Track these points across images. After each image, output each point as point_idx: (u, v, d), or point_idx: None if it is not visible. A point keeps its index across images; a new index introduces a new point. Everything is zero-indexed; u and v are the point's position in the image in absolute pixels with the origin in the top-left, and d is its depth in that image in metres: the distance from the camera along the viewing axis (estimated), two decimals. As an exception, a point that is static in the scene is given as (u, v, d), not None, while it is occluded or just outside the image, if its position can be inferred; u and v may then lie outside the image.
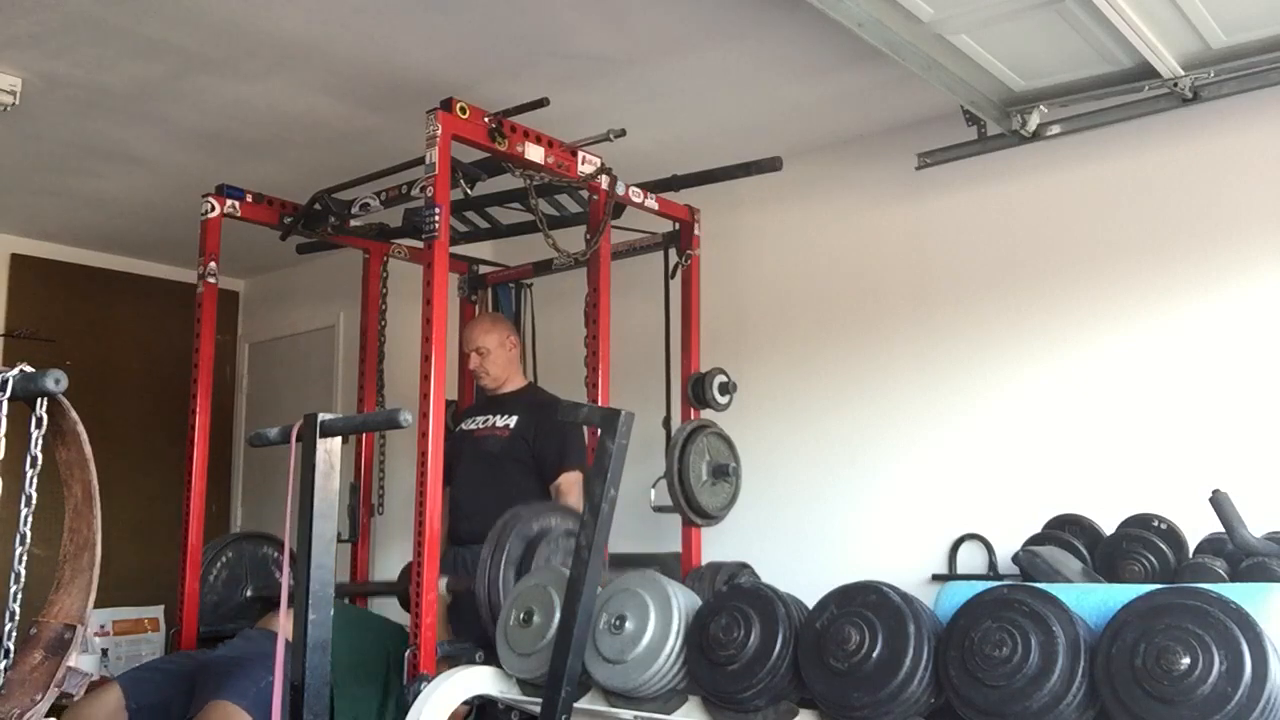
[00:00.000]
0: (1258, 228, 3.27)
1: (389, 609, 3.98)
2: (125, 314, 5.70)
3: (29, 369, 1.47)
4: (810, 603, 2.13)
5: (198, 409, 3.56)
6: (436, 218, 2.95)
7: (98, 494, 1.54)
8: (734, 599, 2.20)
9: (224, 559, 3.77)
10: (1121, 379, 3.44)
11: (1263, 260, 3.25)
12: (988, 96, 3.24)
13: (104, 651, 4.54)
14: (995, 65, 3.04)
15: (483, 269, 4.64)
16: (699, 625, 2.20)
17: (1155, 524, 3.04)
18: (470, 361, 3.77)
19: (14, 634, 1.46)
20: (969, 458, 3.71)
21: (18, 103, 3.52)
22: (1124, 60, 2.96)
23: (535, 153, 3.26)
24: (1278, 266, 3.23)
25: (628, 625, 2.26)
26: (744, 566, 3.70)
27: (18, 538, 1.48)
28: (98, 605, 1.59)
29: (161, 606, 4.80)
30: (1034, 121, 3.34)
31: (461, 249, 4.38)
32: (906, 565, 3.69)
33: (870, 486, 3.93)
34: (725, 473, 3.76)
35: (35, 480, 1.47)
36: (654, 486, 3.71)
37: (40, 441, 1.48)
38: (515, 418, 3.70)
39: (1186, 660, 1.67)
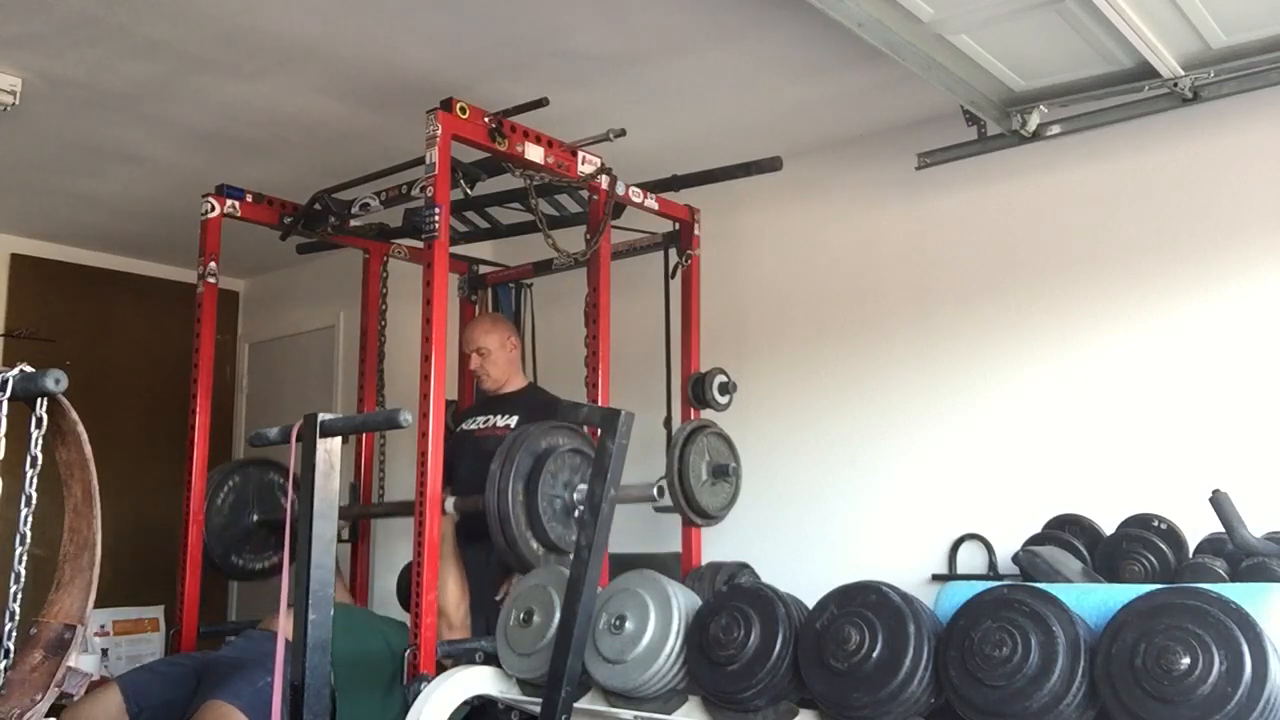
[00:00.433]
0: (1258, 228, 3.27)
1: (389, 608, 3.99)
2: (125, 314, 5.70)
3: (29, 369, 1.47)
4: (810, 603, 2.13)
5: (198, 409, 3.56)
6: (436, 218, 2.95)
7: (98, 494, 1.54)
8: (734, 599, 2.20)
9: (230, 483, 3.77)
10: (1121, 379, 3.44)
11: (1263, 260, 3.25)
12: (988, 96, 3.24)
13: (104, 651, 4.54)
14: (995, 65, 3.04)
15: (483, 269, 4.64)
16: (699, 625, 2.20)
17: (1155, 524, 3.03)
18: (470, 362, 3.77)
19: (14, 634, 1.46)
20: (969, 458, 3.71)
21: (18, 103, 3.52)
22: (1124, 60, 2.96)
23: (535, 153, 3.26)
24: (1278, 266, 3.23)
25: (628, 625, 2.26)
26: (744, 566, 3.70)
27: (18, 538, 1.48)
28: (98, 605, 1.59)
29: (161, 606, 4.80)
30: (1034, 121, 3.34)
31: (461, 249, 4.38)
32: (906, 565, 3.69)
33: (870, 486, 3.93)
34: (725, 473, 3.76)
35: (35, 480, 1.47)
36: (655, 487, 3.71)
37: (40, 441, 1.48)
38: (516, 418, 3.70)
39: (1186, 660, 1.67)
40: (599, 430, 2.46)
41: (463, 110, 3.02)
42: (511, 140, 3.17)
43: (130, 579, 4.67)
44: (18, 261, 5.30)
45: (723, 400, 3.92)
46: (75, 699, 1.55)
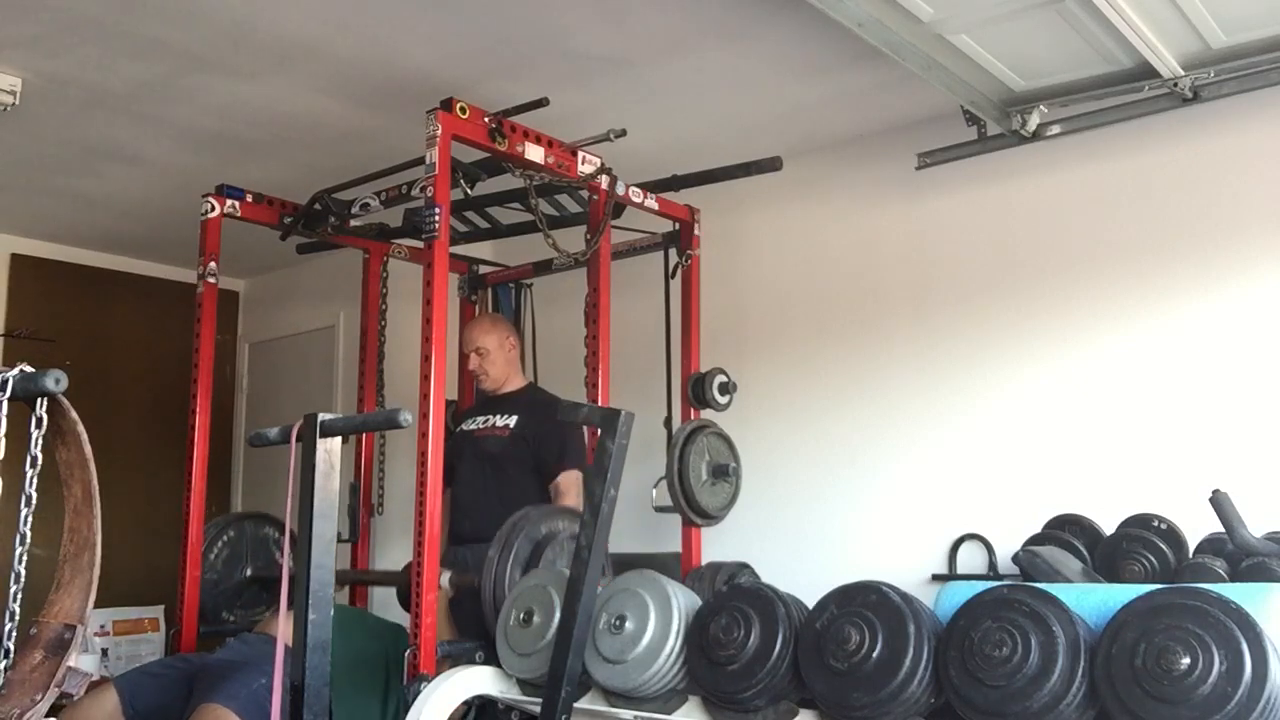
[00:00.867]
0: (1258, 228, 3.27)
1: (390, 609, 3.99)
2: (125, 314, 5.70)
3: (29, 369, 1.47)
4: (810, 603, 2.13)
5: (198, 409, 3.56)
6: (436, 218, 2.95)
7: (98, 494, 1.54)
8: (734, 599, 2.20)
9: (225, 538, 3.77)
10: (1121, 379, 3.44)
11: (1263, 260, 3.25)
12: (988, 96, 3.24)
13: (104, 651, 4.54)
14: (995, 65, 3.04)
15: (483, 269, 4.64)
16: (699, 625, 2.20)
17: (1155, 524, 3.03)
18: (470, 362, 3.77)
19: (14, 634, 1.46)
20: (969, 458, 3.71)
21: (18, 103, 3.52)
22: (1124, 60, 2.96)
23: (535, 153, 3.26)
24: (1278, 266, 3.23)
25: (628, 625, 2.26)
26: (744, 566, 3.70)
27: (18, 538, 1.48)
28: (98, 605, 1.59)
29: (161, 606, 4.81)
30: (1034, 121, 3.34)
31: (461, 249, 4.38)
32: (906, 565, 3.68)
33: (870, 486, 3.93)
34: (725, 473, 3.76)
35: (35, 480, 1.47)
36: (655, 487, 3.71)
37: (40, 441, 1.48)
38: (515, 418, 3.70)
39: (1186, 660, 1.67)
40: (599, 430, 2.46)
41: (463, 110, 3.02)
42: (511, 140, 3.17)
43: (130, 579, 4.67)
44: (18, 261, 5.30)
45: (723, 400, 3.92)
46: (75, 699, 1.55)
